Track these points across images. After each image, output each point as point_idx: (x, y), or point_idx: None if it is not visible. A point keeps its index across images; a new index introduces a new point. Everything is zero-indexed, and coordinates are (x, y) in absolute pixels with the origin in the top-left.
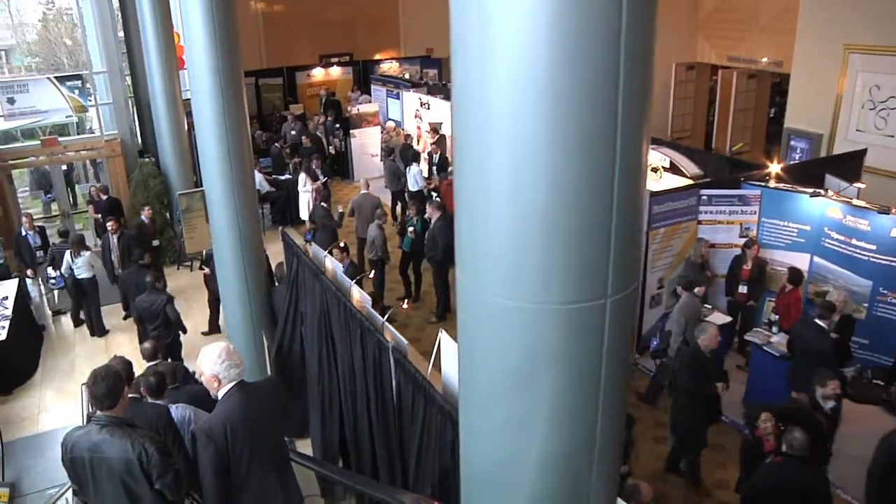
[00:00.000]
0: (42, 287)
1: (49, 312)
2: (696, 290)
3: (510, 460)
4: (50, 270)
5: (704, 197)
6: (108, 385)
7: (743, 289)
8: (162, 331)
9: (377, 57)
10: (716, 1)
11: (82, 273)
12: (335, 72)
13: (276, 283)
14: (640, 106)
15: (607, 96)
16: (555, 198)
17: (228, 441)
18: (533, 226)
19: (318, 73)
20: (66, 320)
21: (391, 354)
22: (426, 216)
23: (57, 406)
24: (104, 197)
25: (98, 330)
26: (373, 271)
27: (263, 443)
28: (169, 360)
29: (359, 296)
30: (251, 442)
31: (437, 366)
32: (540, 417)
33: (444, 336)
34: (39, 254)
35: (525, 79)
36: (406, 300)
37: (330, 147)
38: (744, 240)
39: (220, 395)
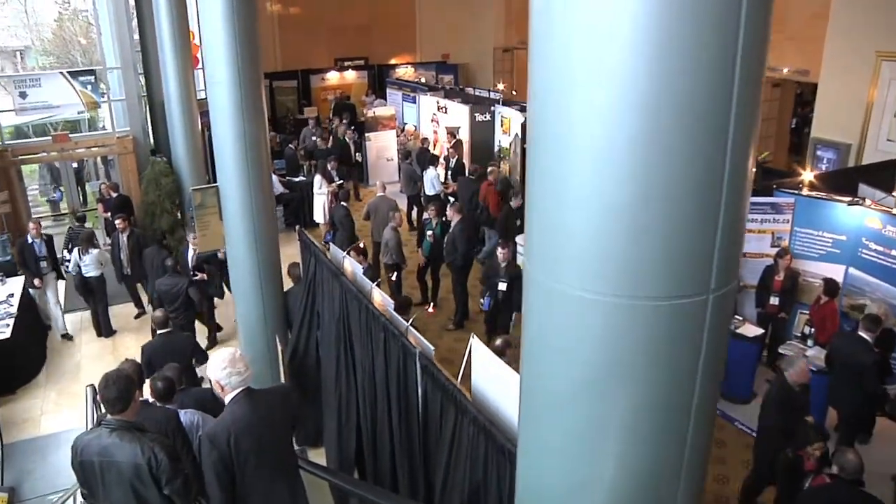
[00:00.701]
0: (50, 297)
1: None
2: None
3: (582, 480)
4: (66, 253)
5: None
6: (120, 389)
7: (774, 300)
8: (181, 313)
9: (392, 61)
10: None
11: (90, 271)
12: (350, 75)
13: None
14: (753, 96)
15: (723, 92)
16: (660, 189)
17: (231, 447)
18: (628, 213)
19: (332, 77)
20: (72, 318)
21: (417, 360)
22: (447, 219)
23: (60, 408)
24: (114, 195)
25: (105, 330)
26: (394, 273)
27: (270, 450)
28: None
29: (381, 299)
30: (256, 448)
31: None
32: (622, 428)
33: (475, 342)
34: (43, 264)
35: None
36: (431, 305)
37: (357, 154)
38: (776, 249)
39: (227, 400)
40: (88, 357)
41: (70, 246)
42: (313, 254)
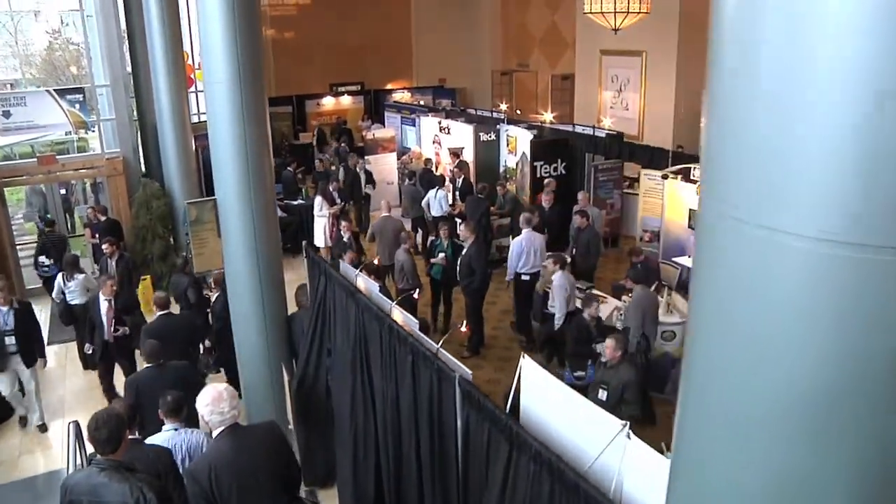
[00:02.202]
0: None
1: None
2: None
3: None
4: (42, 259)
5: None
6: (110, 429)
7: None
8: (185, 313)
9: (389, 86)
10: None
11: (75, 298)
12: (346, 100)
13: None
14: None
15: None
16: None
17: (213, 483)
18: None
19: (328, 102)
20: (55, 350)
21: (457, 386)
22: (460, 240)
23: (41, 448)
24: (102, 218)
25: (91, 363)
26: (417, 291)
27: (252, 486)
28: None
29: (403, 319)
30: (238, 485)
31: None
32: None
33: (527, 362)
34: (10, 340)
35: None
36: (464, 323)
37: (367, 187)
38: None
39: (214, 435)
40: (73, 392)
41: (45, 253)
42: (323, 272)
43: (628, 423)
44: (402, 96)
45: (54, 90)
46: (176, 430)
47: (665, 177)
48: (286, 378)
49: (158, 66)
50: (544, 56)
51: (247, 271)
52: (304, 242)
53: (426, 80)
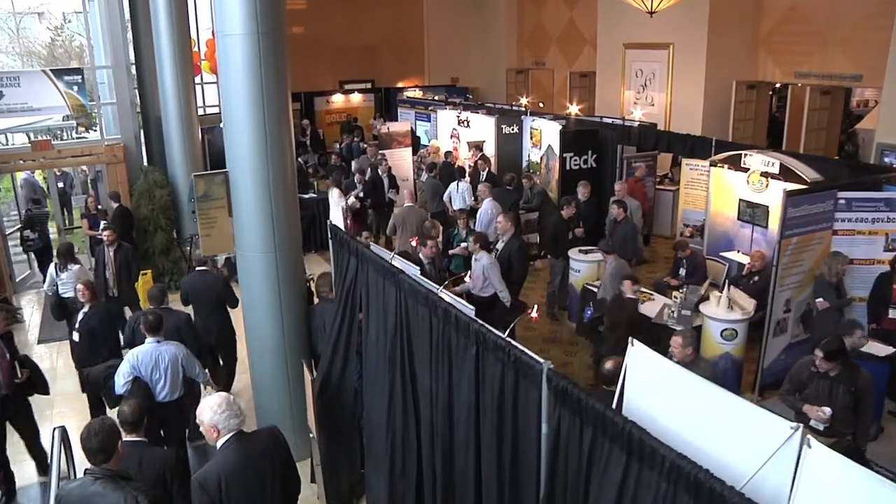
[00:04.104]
0: None
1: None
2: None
3: None
4: (28, 233)
5: (843, 201)
6: (103, 440)
7: (894, 314)
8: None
9: (400, 84)
10: (782, 13)
11: (69, 291)
12: (356, 98)
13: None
14: None
15: None
16: None
17: (222, 492)
18: None
19: (337, 100)
20: (46, 350)
21: (545, 381)
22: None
23: (23, 459)
24: (114, 206)
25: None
26: (468, 274)
27: (261, 495)
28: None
29: (452, 301)
30: (247, 493)
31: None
32: None
33: (638, 349)
34: None
35: None
36: (534, 307)
37: (390, 192)
38: (891, 254)
39: (219, 445)
40: (63, 395)
41: (31, 227)
42: (353, 252)
43: (800, 425)
44: (413, 94)
45: (51, 70)
46: (157, 342)
47: (714, 164)
48: (308, 378)
49: (164, 48)
50: (561, 53)
51: (262, 254)
52: (329, 221)
53: (438, 79)
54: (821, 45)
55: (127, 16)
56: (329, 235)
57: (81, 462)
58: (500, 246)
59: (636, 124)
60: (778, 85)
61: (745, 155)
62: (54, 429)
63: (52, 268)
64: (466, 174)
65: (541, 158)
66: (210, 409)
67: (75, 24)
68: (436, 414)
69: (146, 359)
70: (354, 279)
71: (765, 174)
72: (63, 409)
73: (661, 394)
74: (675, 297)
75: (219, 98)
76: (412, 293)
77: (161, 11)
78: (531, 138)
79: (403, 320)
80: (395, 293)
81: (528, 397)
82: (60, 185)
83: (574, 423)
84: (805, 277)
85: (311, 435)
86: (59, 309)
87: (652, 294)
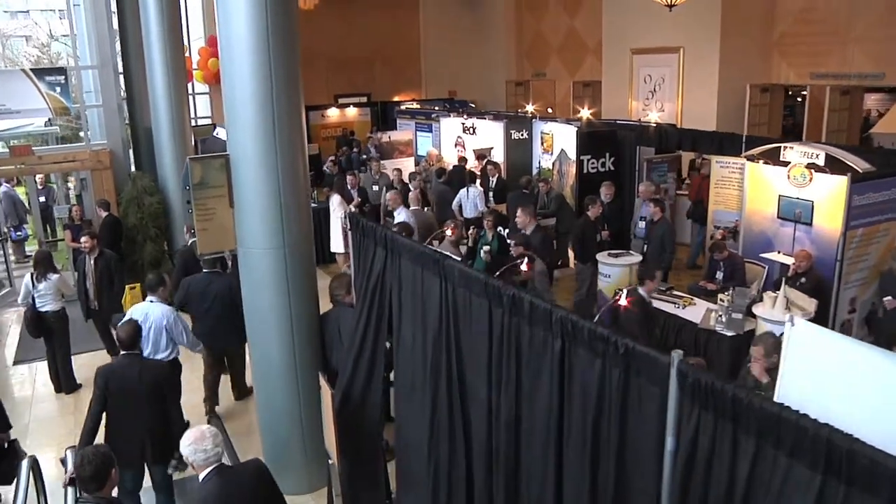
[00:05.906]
0: None
1: None
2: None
3: None
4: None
5: None
6: (96, 467)
7: None
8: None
9: (396, 98)
10: (796, 13)
11: (47, 304)
12: (351, 112)
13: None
14: None
15: None
16: None
17: None
18: None
19: (333, 114)
20: (23, 370)
21: (673, 377)
22: (520, 229)
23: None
24: (104, 215)
25: (65, 384)
26: (524, 260)
27: None
28: None
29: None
30: None
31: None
32: None
33: (801, 328)
34: None
35: None
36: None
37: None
38: None
39: (200, 478)
40: (41, 419)
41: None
42: (382, 242)
43: None
44: (412, 107)
45: (31, 69)
46: (152, 301)
47: (751, 158)
48: (326, 394)
49: (154, 46)
50: (562, 63)
51: (268, 250)
52: (347, 208)
53: (435, 92)
54: (839, 45)
55: (113, 8)
56: (349, 226)
57: (54, 491)
58: None
59: (653, 125)
60: (791, 92)
61: (785, 148)
62: (27, 457)
63: (27, 277)
64: (478, 179)
65: (552, 164)
66: (184, 443)
67: (61, 46)
68: (496, 432)
69: (136, 314)
70: (382, 274)
71: (810, 166)
72: (39, 437)
73: (820, 376)
74: (721, 301)
75: (211, 108)
76: (466, 282)
77: (151, 9)
78: (542, 143)
79: (450, 317)
80: (439, 285)
81: (644, 402)
82: (42, 199)
83: (724, 432)
84: (870, 274)
85: (329, 461)
86: (36, 324)
87: (692, 298)
